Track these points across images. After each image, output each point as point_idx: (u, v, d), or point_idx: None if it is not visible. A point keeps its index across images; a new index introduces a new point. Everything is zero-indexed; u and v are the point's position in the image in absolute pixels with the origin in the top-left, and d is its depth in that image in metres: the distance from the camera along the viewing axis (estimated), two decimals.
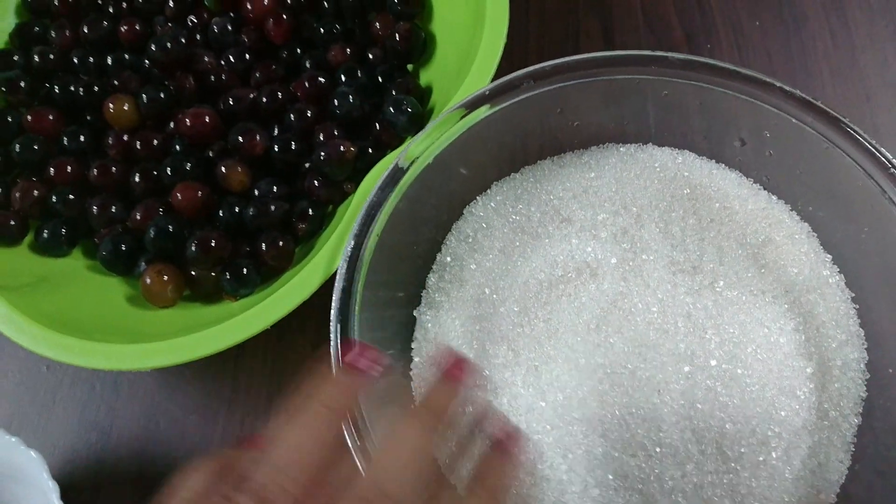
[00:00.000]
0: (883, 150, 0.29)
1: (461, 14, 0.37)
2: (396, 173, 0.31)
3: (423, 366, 0.32)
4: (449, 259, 0.34)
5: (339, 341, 0.27)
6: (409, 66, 0.41)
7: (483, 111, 0.31)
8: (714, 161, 0.35)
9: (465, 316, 0.32)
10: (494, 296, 0.32)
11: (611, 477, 0.29)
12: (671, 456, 0.30)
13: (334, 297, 0.28)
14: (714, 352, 0.31)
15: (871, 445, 0.30)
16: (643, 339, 0.31)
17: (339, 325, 0.28)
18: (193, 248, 0.35)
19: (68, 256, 0.38)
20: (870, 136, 0.30)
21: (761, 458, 0.29)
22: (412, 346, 0.33)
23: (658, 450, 0.29)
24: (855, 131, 0.29)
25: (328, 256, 0.30)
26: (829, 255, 0.33)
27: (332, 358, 0.27)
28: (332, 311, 0.28)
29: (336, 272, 0.29)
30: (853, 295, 0.32)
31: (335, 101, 0.38)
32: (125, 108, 0.39)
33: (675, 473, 0.29)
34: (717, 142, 0.35)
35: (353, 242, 0.29)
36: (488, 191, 0.35)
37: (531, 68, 0.31)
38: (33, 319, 0.31)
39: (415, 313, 0.33)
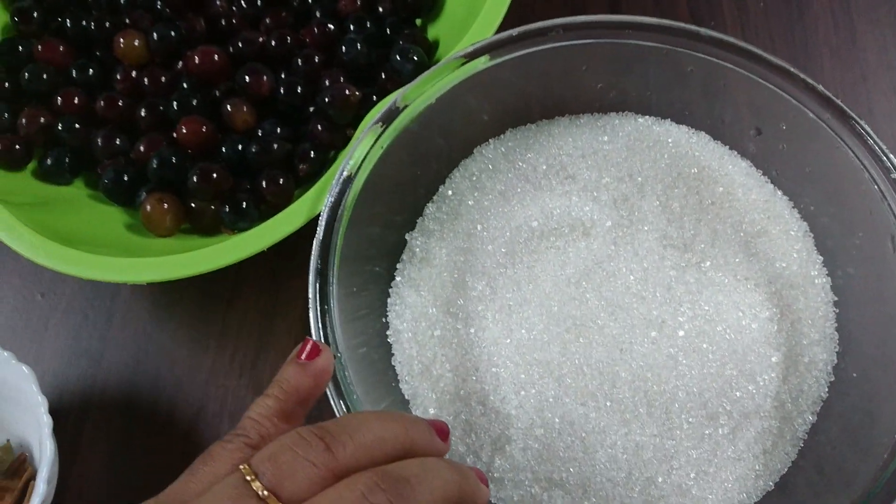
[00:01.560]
0: (891, 155, 0.29)
1: None
2: (392, 112, 0.31)
3: (403, 285, 0.33)
4: (450, 192, 0.34)
5: (318, 258, 0.28)
6: (418, 21, 0.41)
7: (494, 58, 0.32)
8: (727, 147, 0.36)
9: (452, 246, 0.33)
10: (485, 233, 0.33)
11: (557, 420, 0.30)
12: (619, 412, 0.30)
13: (322, 213, 0.29)
14: (684, 324, 0.32)
15: (821, 446, 0.31)
16: (619, 300, 0.32)
17: (321, 238, 0.28)
18: (195, 179, 0.35)
19: (70, 185, 0.39)
20: (865, 120, 0.30)
21: (707, 432, 0.30)
22: (396, 267, 0.34)
23: (608, 403, 0.30)
24: (866, 132, 0.30)
25: (322, 188, 0.31)
26: (820, 257, 0.33)
27: (310, 283, 0.28)
28: (320, 226, 0.28)
29: None
30: (836, 299, 0.33)
31: (343, 47, 0.38)
32: (135, 43, 0.40)
33: (620, 430, 0.30)
34: (735, 127, 0.35)
35: (348, 164, 0.30)
36: (502, 136, 0.36)
37: (564, 19, 0.32)
38: (34, 230, 0.31)
39: (406, 236, 0.34)
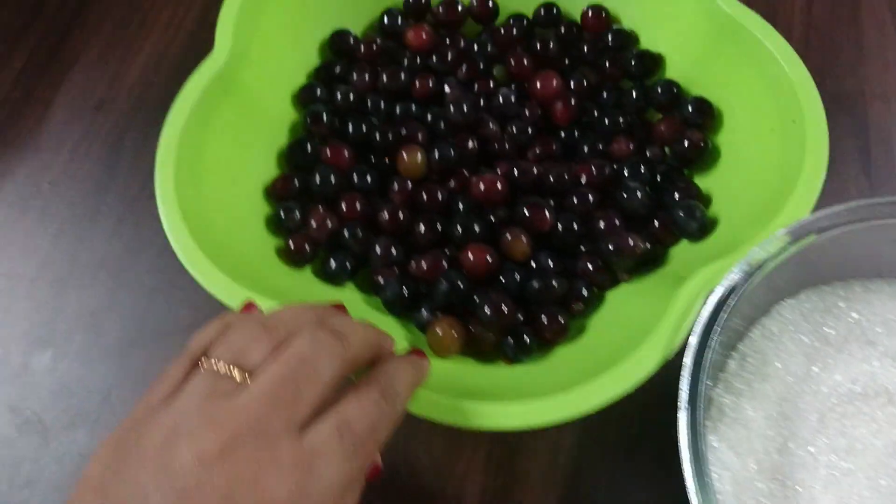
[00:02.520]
0: None
1: (759, 132, 0.39)
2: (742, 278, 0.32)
3: (720, 445, 0.33)
4: (752, 351, 0.35)
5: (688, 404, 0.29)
6: (686, 170, 0.43)
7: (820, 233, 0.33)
8: None
9: (766, 409, 0.34)
10: (798, 398, 0.34)
11: None
12: None
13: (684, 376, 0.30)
14: None
15: None
16: None
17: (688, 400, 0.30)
18: (486, 310, 0.37)
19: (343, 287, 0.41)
20: None
21: None
22: (706, 424, 0.34)
23: None
24: None
25: (664, 341, 0.32)
26: None
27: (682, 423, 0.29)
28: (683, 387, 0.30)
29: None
30: None
31: (624, 193, 0.40)
32: (418, 159, 0.42)
33: None
34: None
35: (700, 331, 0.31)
36: (799, 296, 0.37)
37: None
38: None
39: (711, 393, 0.35)
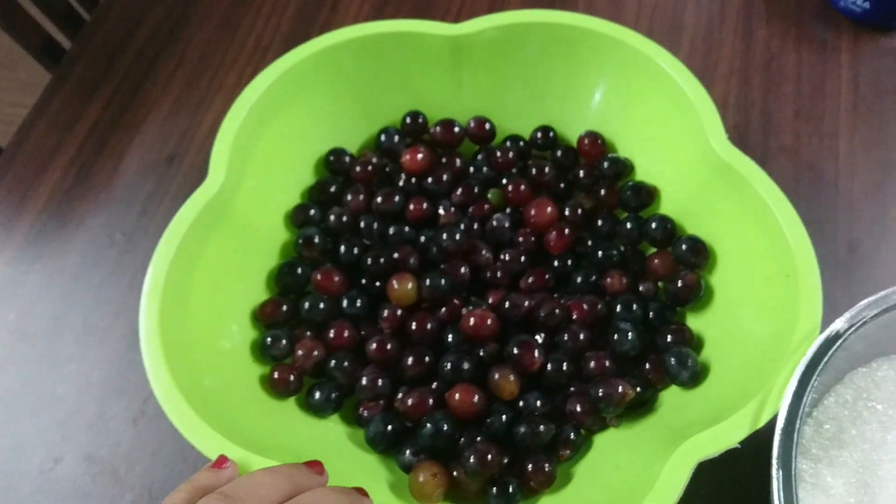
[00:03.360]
0: None
1: (753, 278, 0.39)
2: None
3: None
4: (827, 418, 0.36)
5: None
6: (678, 308, 0.42)
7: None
8: None
9: (846, 476, 0.34)
10: (877, 467, 0.34)
11: None
12: None
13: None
14: None
15: None
16: None
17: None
18: (472, 461, 0.36)
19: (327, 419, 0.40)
20: None
21: None
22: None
23: None
24: None
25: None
26: None
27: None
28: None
29: None
30: None
31: (615, 335, 0.40)
32: (408, 287, 0.42)
33: None
34: None
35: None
36: (871, 364, 0.37)
37: None
38: None
39: None
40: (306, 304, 0.42)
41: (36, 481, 0.43)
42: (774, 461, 0.30)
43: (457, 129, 0.47)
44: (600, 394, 0.38)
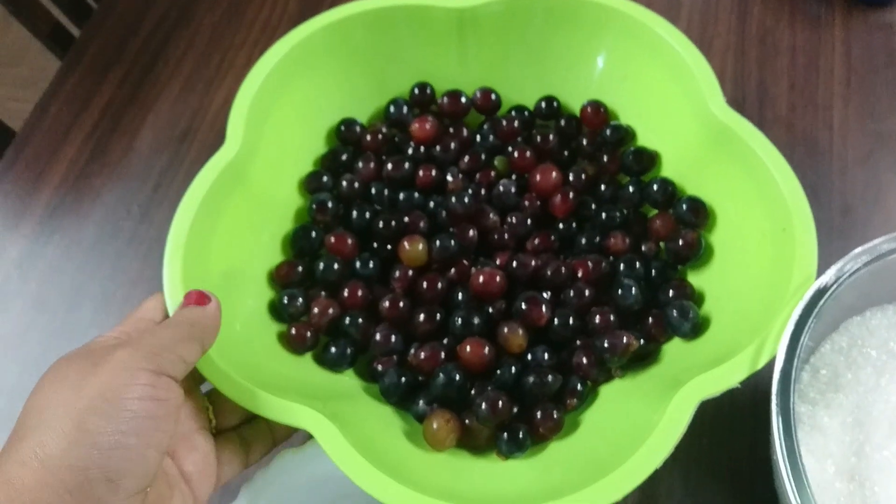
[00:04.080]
0: None
1: (751, 235, 0.40)
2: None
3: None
4: (824, 364, 0.38)
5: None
6: (679, 267, 0.44)
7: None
8: None
9: (842, 417, 0.36)
10: (871, 407, 0.36)
11: None
12: None
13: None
14: None
15: None
16: None
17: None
18: (483, 407, 0.38)
19: (343, 374, 0.42)
20: None
21: None
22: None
23: None
24: None
25: (660, 447, 0.33)
26: None
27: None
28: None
29: None
30: None
31: (619, 290, 0.41)
32: (419, 248, 0.43)
33: None
34: None
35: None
36: (865, 313, 0.39)
37: None
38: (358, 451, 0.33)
39: None
40: (321, 265, 0.43)
41: None
42: (774, 406, 0.32)
43: (463, 100, 0.49)
44: (605, 345, 0.39)
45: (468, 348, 0.40)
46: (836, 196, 0.50)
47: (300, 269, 0.44)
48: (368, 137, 0.48)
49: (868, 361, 0.38)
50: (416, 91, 0.49)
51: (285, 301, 0.42)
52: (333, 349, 0.41)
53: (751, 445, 0.42)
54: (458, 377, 0.39)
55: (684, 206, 0.43)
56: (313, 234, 0.45)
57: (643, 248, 0.44)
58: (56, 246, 0.53)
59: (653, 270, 0.43)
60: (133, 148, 0.57)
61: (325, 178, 0.46)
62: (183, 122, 0.58)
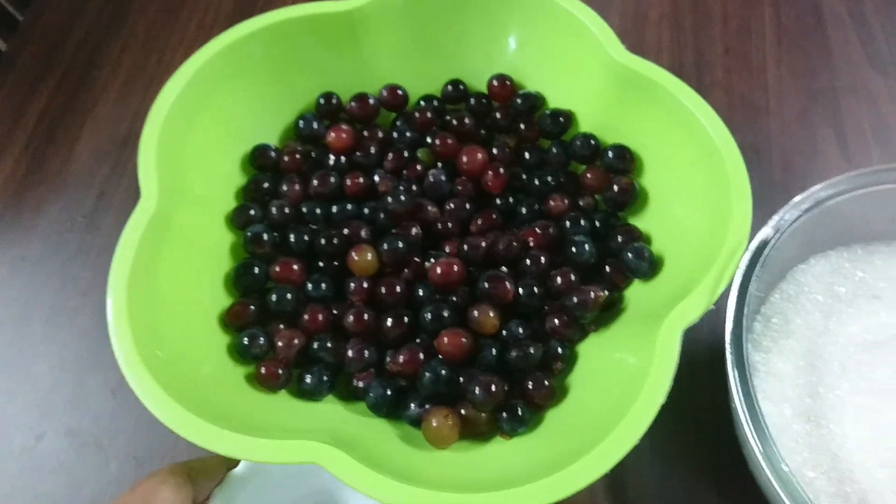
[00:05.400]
0: None
1: (680, 168, 0.42)
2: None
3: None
4: (774, 313, 0.39)
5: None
6: (620, 214, 0.45)
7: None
8: None
9: (795, 361, 0.37)
10: (821, 350, 0.37)
11: None
12: None
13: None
14: None
15: None
16: None
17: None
18: (478, 393, 0.37)
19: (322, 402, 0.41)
20: None
21: None
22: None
23: None
24: None
25: (660, 386, 0.33)
26: None
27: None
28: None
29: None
30: None
31: (573, 248, 0.42)
32: (368, 257, 0.42)
33: None
34: None
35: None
36: (809, 261, 0.41)
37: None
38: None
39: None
40: (273, 297, 0.42)
41: (20, 460, 0.43)
42: (728, 356, 0.33)
43: (371, 101, 0.48)
44: (575, 301, 0.40)
45: (446, 340, 0.39)
46: (775, 153, 0.53)
47: (252, 307, 0.42)
48: (286, 159, 0.46)
49: (816, 307, 0.39)
50: (322, 101, 0.48)
51: (246, 342, 0.40)
52: (309, 378, 0.40)
53: (712, 398, 0.44)
54: (444, 372, 0.39)
55: (610, 155, 0.44)
56: (256, 269, 0.43)
57: (581, 204, 0.45)
58: (1, 262, 0.51)
59: (597, 223, 0.44)
60: (73, 157, 0.55)
61: (252, 212, 0.45)
62: (123, 127, 0.56)
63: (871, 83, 0.56)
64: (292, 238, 0.44)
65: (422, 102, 0.49)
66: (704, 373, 0.44)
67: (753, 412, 0.32)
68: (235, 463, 0.36)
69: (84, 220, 0.52)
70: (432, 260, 0.42)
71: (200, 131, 0.44)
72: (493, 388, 0.38)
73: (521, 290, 0.41)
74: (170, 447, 0.43)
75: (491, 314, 0.40)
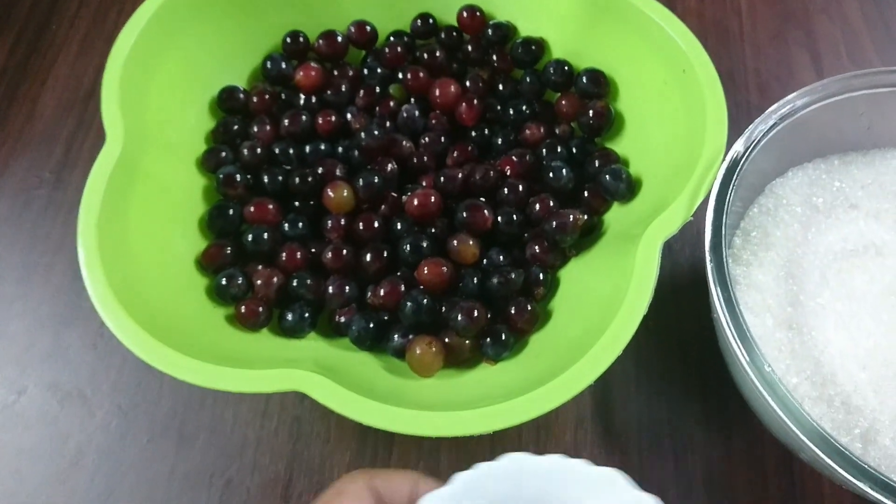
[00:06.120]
0: None
1: (654, 87, 0.42)
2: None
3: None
4: (753, 226, 0.39)
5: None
6: (596, 139, 0.45)
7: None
8: None
9: (775, 272, 0.38)
10: (801, 260, 0.38)
11: None
12: None
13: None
14: None
15: None
16: None
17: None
18: (460, 319, 0.37)
19: (305, 339, 0.40)
20: None
21: None
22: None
23: None
24: None
25: (641, 295, 0.33)
26: None
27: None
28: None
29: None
30: None
31: (550, 174, 0.42)
32: (344, 194, 0.42)
33: None
34: None
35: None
36: (787, 174, 0.41)
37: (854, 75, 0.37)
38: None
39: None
40: (250, 237, 0.41)
41: (1, 416, 0.43)
42: (709, 269, 0.33)
43: (339, 39, 0.47)
44: (554, 225, 0.40)
45: (426, 270, 0.39)
46: (751, 77, 0.53)
47: (228, 249, 0.41)
48: (255, 100, 0.45)
49: (794, 218, 0.39)
50: (289, 40, 0.47)
51: (224, 283, 0.40)
52: (290, 315, 0.39)
53: (696, 320, 0.44)
54: (425, 301, 0.38)
55: (584, 80, 0.44)
56: (230, 210, 0.42)
57: (557, 131, 0.45)
58: None
59: (573, 149, 0.44)
60: (36, 114, 0.53)
61: (223, 154, 0.44)
62: (86, 81, 0.55)
63: (843, 3, 0.55)
64: (266, 178, 0.43)
65: (391, 38, 0.48)
66: (688, 296, 0.45)
67: (736, 320, 0.32)
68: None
69: (52, 177, 0.50)
70: (409, 194, 0.42)
71: (164, 74, 0.43)
72: (476, 313, 0.37)
73: (499, 218, 0.41)
74: (154, 396, 0.43)
75: (471, 243, 0.40)
